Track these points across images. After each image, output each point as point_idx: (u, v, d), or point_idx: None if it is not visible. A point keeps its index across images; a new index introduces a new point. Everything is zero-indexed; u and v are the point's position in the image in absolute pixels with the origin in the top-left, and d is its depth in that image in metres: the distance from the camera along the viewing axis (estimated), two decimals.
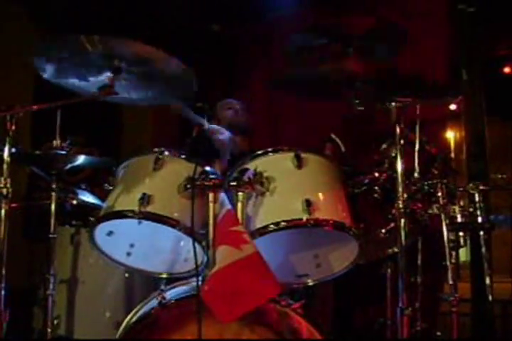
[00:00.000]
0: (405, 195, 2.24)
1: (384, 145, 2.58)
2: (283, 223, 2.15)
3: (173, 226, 2.22)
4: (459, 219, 2.47)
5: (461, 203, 2.51)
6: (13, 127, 2.17)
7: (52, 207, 2.55)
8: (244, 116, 3.63)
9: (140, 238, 2.42)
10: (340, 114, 3.75)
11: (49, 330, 2.49)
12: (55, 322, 2.57)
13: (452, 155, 2.96)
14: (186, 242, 2.35)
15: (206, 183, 2.18)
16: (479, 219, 2.48)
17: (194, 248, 2.13)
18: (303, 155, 2.27)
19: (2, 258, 2.13)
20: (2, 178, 2.15)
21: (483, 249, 2.51)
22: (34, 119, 3.66)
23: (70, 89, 2.39)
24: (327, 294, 3.07)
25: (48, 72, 2.30)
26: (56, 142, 2.56)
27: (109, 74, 2.29)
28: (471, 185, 2.54)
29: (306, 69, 2.38)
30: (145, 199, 2.20)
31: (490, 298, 2.55)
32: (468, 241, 2.57)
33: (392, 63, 2.62)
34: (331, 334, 2.22)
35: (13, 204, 2.20)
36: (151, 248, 2.44)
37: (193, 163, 2.25)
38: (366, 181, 2.54)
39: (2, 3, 4.08)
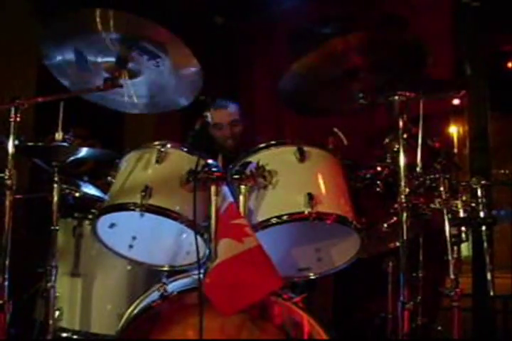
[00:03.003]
0: (407, 190, 2.24)
1: (387, 140, 2.57)
2: (285, 216, 2.15)
3: (175, 218, 2.22)
4: (461, 214, 2.46)
5: (464, 198, 2.50)
6: (18, 119, 2.17)
7: (55, 199, 2.55)
8: (235, 136, 3.36)
9: (142, 230, 2.43)
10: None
11: (51, 322, 2.49)
12: (57, 314, 2.58)
13: (455, 149, 2.95)
14: (188, 235, 2.35)
15: (208, 176, 2.18)
16: (481, 214, 2.47)
17: (196, 241, 2.14)
18: (306, 148, 2.27)
19: (6, 249, 2.14)
20: (6, 170, 2.15)
21: (485, 244, 2.51)
22: (37, 111, 3.65)
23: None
24: (327, 288, 3.07)
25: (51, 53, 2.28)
26: (58, 134, 2.55)
27: (113, 59, 2.27)
28: (473, 179, 2.53)
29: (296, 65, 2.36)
30: (147, 191, 2.21)
31: (491, 293, 2.55)
32: (470, 236, 2.56)
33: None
34: (333, 328, 2.22)
35: (16, 196, 2.20)
36: (153, 240, 2.44)
37: (196, 155, 2.26)
38: (369, 175, 2.54)
39: None
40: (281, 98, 2.51)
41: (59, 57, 2.30)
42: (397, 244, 2.37)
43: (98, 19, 2.13)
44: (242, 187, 2.18)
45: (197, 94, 2.40)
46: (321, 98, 2.55)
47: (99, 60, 2.28)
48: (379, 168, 2.53)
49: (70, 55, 2.29)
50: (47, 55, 2.27)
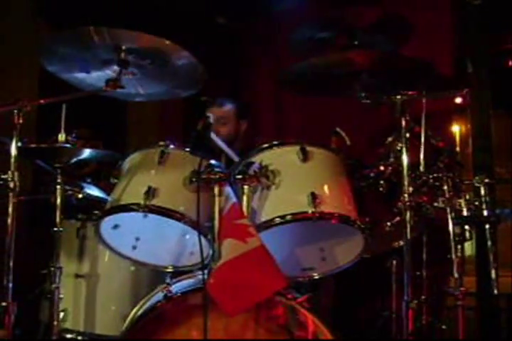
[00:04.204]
0: (411, 189, 2.24)
1: (389, 139, 2.57)
2: (288, 216, 2.15)
3: (178, 219, 2.23)
4: (465, 213, 2.46)
5: (467, 196, 2.50)
6: (21, 121, 2.17)
7: (58, 200, 2.55)
8: (225, 125, 3.38)
9: (146, 231, 2.43)
10: (345, 107, 3.74)
11: (55, 323, 2.50)
12: (62, 315, 2.58)
13: (458, 148, 2.95)
14: (192, 235, 2.35)
15: (212, 176, 2.18)
16: (485, 213, 2.47)
17: (200, 241, 2.14)
18: (308, 148, 2.27)
19: (10, 251, 2.14)
20: (9, 172, 2.15)
21: (489, 243, 2.50)
22: (39, 113, 3.66)
23: (77, 84, 2.40)
24: (331, 287, 3.07)
25: (53, 65, 2.29)
26: (61, 136, 2.56)
27: (115, 67, 2.29)
28: (476, 178, 2.53)
29: (312, 60, 2.36)
30: (150, 192, 2.21)
31: (495, 291, 2.55)
32: (474, 235, 2.56)
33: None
34: (337, 327, 2.22)
35: (20, 198, 2.20)
36: (157, 241, 2.44)
37: (199, 156, 2.26)
38: (372, 174, 2.54)
39: None
40: (282, 81, 2.50)
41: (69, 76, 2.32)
42: (401, 243, 2.38)
43: (95, 35, 2.15)
44: (246, 187, 2.18)
45: (199, 88, 2.41)
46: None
47: (101, 72, 2.30)
48: (382, 168, 2.53)
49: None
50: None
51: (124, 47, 2.23)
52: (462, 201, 2.47)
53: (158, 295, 2.33)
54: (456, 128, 3.29)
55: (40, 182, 3.07)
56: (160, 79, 2.39)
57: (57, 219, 2.54)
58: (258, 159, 2.26)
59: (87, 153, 2.62)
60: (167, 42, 2.19)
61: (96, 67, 2.32)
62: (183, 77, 2.36)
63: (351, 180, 2.36)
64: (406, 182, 2.23)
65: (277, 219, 2.15)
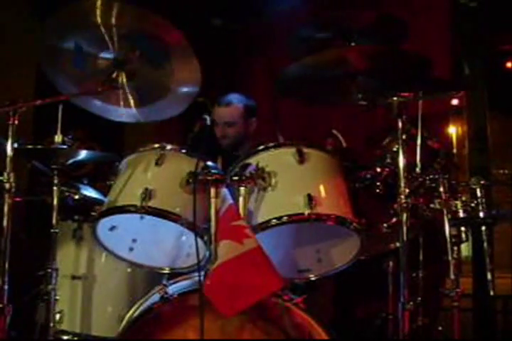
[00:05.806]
0: (407, 190, 2.24)
1: (386, 140, 2.58)
2: (285, 218, 2.15)
3: (175, 221, 2.23)
4: (461, 214, 2.46)
5: (463, 198, 2.50)
6: (16, 122, 2.17)
7: (55, 201, 2.55)
8: (226, 136, 3.33)
9: (142, 233, 2.43)
10: (342, 109, 3.75)
11: (51, 325, 2.49)
12: (58, 316, 2.58)
13: (454, 150, 2.95)
14: (188, 237, 2.35)
15: (208, 178, 2.18)
16: (481, 214, 2.47)
17: (196, 243, 2.14)
18: (305, 150, 2.27)
19: (5, 252, 2.14)
20: (5, 173, 2.15)
21: (485, 244, 2.51)
22: (36, 114, 3.65)
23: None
24: (327, 288, 3.07)
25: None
26: (58, 137, 2.55)
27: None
28: (473, 179, 2.54)
29: (306, 60, 2.35)
30: (147, 194, 2.21)
31: (491, 293, 2.55)
32: (470, 236, 2.57)
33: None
34: (333, 328, 2.22)
35: (16, 199, 2.20)
36: (154, 243, 2.44)
37: (195, 157, 2.26)
38: (368, 176, 2.54)
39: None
40: (278, 88, 2.50)
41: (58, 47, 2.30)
42: (397, 244, 2.38)
43: (100, 12, 2.13)
44: (242, 188, 2.18)
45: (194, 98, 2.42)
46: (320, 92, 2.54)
47: (100, 55, 2.29)
48: (378, 169, 2.53)
49: (70, 47, 2.28)
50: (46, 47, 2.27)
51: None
52: (458, 202, 2.47)
53: (154, 297, 2.33)
54: (452, 130, 3.30)
55: (36, 183, 3.07)
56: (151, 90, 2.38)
57: (54, 221, 2.54)
58: (254, 161, 2.26)
59: (83, 154, 2.62)
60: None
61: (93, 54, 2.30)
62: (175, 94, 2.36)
63: (347, 182, 2.36)
64: (402, 184, 2.23)
65: (273, 220, 2.15)
